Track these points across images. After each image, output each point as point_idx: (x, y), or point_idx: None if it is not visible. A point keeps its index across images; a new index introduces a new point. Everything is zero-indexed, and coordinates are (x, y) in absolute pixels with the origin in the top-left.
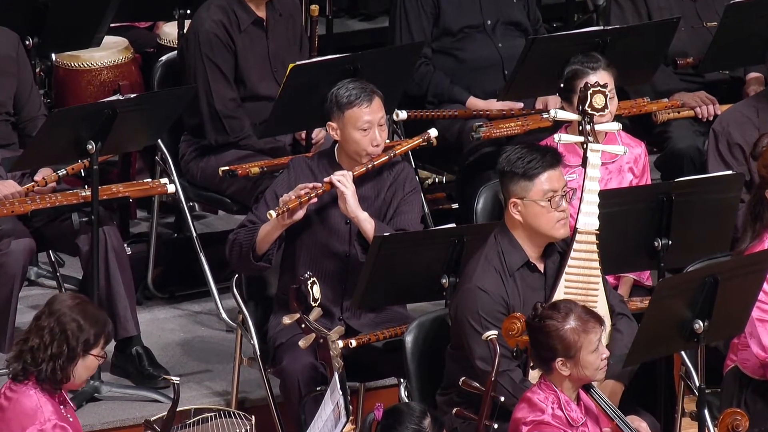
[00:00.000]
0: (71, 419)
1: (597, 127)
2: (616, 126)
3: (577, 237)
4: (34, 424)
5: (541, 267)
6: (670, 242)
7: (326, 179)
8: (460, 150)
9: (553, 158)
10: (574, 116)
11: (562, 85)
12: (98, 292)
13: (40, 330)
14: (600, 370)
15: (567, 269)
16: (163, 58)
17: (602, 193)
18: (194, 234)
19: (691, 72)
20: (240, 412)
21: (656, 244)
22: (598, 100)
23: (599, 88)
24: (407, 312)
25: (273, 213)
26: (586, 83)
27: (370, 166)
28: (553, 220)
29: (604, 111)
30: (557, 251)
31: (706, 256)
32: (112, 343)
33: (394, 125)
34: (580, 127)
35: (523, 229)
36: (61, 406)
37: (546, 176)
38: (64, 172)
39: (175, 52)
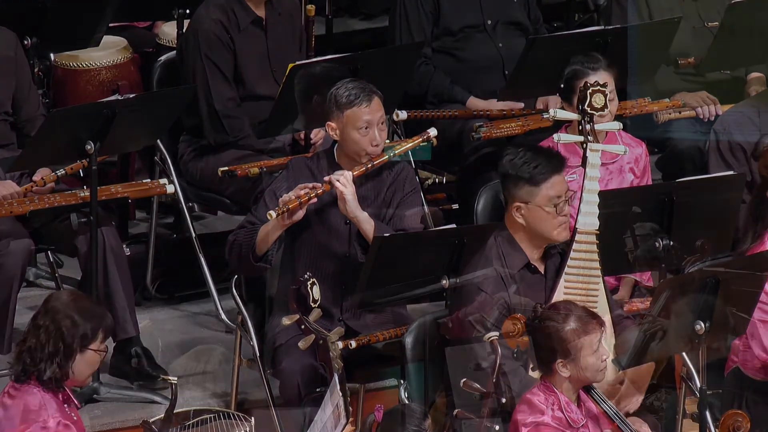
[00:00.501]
0: (75, 418)
1: (597, 127)
2: (617, 126)
3: (577, 237)
4: (38, 421)
5: (541, 268)
6: (671, 243)
7: (326, 179)
8: (460, 150)
9: (559, 163)
10: (574, 116)
11: (562, 85)
12: (97, 292)
13: (36, 330)
14: (600, 372)
15: (567, 269)
16: (162, 57)
17: (602, 194)
18: (193, 234)
19: (693, 72)
20: (239, 414)
21: (657, 244)
22: (598, 100)
23: (599, 87)
24: (407, 313)
25: (273, 213)
26: (586, 83)
27: (369, 166)
28: (556, 225)
29: (603, 111)
30: (557, 252)
31: (708, 256)
32: (112, 344)
33: (394, 125)
34: (580, 127)
35: (524, 232)
36: (65, 405)
37: (551, 182)
38: (63, 172)
39: (174, 51)
